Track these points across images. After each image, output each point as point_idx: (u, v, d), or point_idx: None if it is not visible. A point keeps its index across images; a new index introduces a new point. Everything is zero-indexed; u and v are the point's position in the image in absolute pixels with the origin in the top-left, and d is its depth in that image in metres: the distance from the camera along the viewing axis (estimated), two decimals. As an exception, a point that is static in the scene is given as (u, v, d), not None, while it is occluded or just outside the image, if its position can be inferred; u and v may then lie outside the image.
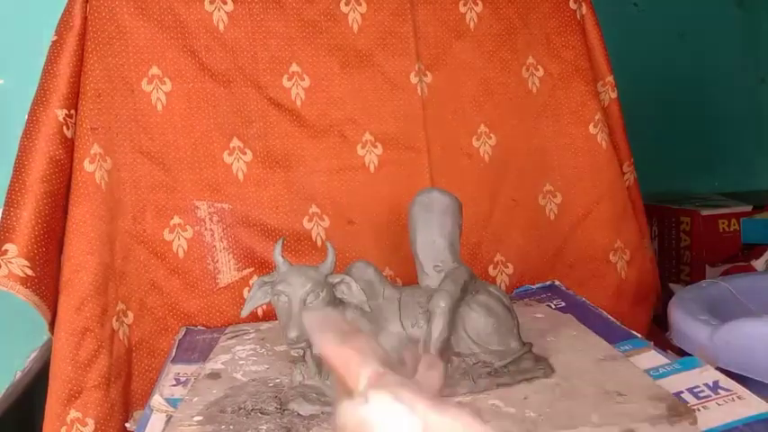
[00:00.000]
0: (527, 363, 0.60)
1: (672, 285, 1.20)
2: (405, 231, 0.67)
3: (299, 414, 0.55)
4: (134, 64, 0.86)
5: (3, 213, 0.77)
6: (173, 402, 0.62)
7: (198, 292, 0.87)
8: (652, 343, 0.71)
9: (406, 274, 0.90)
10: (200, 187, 0.88)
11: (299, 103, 0.92)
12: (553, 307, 0.84)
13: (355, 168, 0.93)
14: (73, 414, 0.76)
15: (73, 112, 0.82)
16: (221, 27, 0.90)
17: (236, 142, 0.89)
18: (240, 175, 0.89)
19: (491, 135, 0.99)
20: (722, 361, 0.72)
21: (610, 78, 1.05)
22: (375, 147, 0.94)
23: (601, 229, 1.02)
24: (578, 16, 1.04)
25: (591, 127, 1.02)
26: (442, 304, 0.58)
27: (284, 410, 0.56)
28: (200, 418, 0.56)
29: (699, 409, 0.55)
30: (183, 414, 0.57)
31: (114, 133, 0.85)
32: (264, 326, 0.81)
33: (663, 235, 1.38)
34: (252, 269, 0.89)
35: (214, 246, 0.88)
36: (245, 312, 0.58)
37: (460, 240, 0.65)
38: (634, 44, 1.41)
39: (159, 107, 0.87)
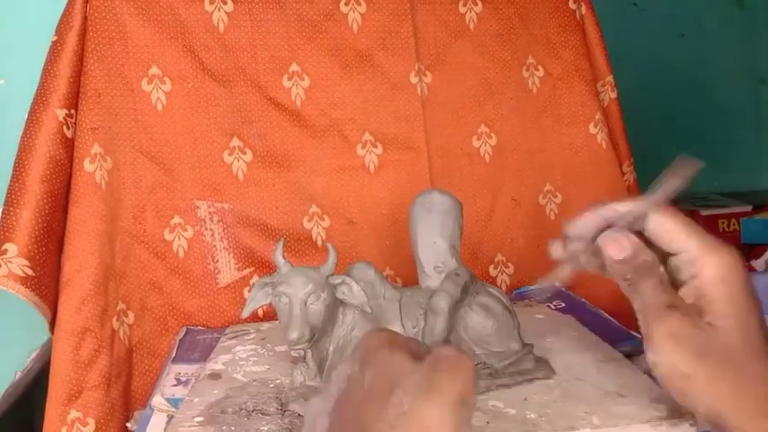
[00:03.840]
0: (527, 364, 0.60)
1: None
2: (405, 232, 0.67)
3: (300, 415, 0.55)
4: (134, 64, 0.86)
5: (3, 213, 0.76)
6: (174, 402, 0.62)
7: (198, 292, 0.87)
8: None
9: (406, 275, 0.90)
10: (201, 187, 0.88)
11: (298, 103, 0.92)
12: (553, 308, 0.85)
13: (355, 168, 0.93)
14: (73, 414, 0.76)
15: (73, 111, 0.82)
16: (221, 27, 0.90)
17: (236, 142, 0.90)
18: (240, 175, 0.89)
19: (491, 135, 0.99)
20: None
21: (610, 78, 1.05)
22: (375, 147, 0.94)
23: (601, 229, 1.02)
24: (578, 16, 1.04)
25: (591, 127, 1.02)
26: (441, 304, 0.59)
27: (285, 411, 0.56)
28: (200, 418, 0.56)
29: (699, 410, 0.55)
30: (184, 415, 0.57)
31: (114, 133, 0.85)
32: (265, 326, 0.81)
33: (663, 235, 1.38)
34: (252, 269, 0.89)
35: (214, 245, 0.88)
36: (245, 313, 0.58)
37: (461, 241, 0.65)
38: (634, 44, 1.41)
39: (159, 107, 0.87)
